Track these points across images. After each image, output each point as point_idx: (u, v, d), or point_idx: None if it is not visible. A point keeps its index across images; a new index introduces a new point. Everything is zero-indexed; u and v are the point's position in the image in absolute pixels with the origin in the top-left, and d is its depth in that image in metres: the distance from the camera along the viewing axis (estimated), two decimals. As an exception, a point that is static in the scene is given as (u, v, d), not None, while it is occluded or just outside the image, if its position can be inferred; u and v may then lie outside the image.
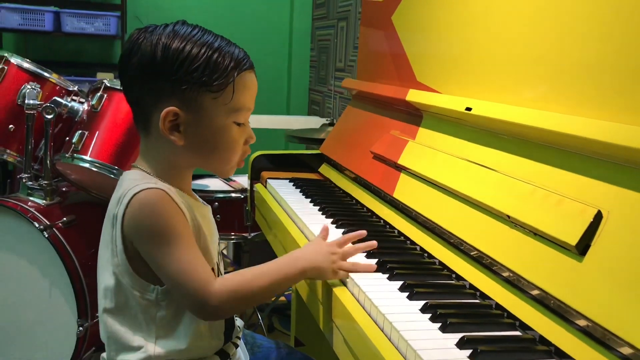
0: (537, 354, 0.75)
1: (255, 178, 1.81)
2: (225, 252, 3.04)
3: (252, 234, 2.19)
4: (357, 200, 1.46)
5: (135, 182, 0.93)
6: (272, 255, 1.12)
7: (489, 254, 0.91)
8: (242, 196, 2.18)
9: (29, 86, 2.01)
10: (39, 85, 2.03)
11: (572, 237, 0.76)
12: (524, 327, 0.82)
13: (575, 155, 0.85)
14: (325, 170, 1.77)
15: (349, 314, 0.88)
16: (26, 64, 2.08)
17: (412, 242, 1.15)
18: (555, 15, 0.97)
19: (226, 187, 2.26)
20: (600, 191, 0.78)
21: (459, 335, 0.77)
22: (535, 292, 0.81)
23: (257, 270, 0.94)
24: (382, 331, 0.82)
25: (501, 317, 0.85)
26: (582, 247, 0.76)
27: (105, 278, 0.95)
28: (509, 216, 0.89)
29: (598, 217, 0.76)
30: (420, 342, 0.75)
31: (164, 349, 0.93)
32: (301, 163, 1.87)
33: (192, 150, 0.96)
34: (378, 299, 0.88)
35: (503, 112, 1.00)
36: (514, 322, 0.83)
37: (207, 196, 2.14)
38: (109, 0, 3.88)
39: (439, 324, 0.81)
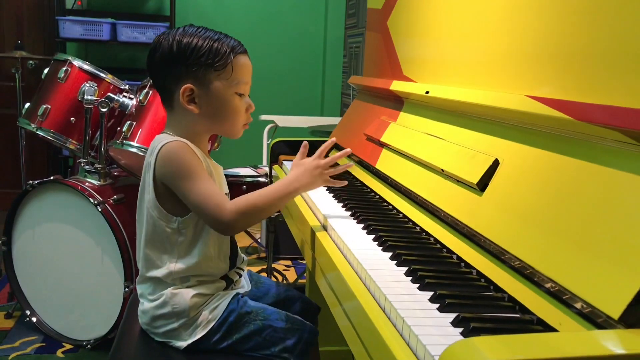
0: (452, 264, 1.02)
1: (274, 162, 2.10)
2: (257, 236, 3.35)
3: (276, 214, 2.48)
4: (354, 176, 1.74)
5: (163, 138, 1.25)
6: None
7: (429, 200, 1.18)
8: (267, 180, 2.48)
9: (87, 85, 2.38)
10: (96, 84, 2.40)
11: (475, 178, 1.02)
12: (444, 248, 1.08)
13: (484, 120, 1.12)
14: (333, 154, 2.05)
15: (328, 255, 1.14)
16: (86, 66, 2.44)
17: (387, 202, 1.42)
18: (486, 26, 1.24)
19: (253, 173, 2.58)
20: (500, 144, 1.04)
21: (393, 251, 1.04)
22: (449, 220, 1.07)
23: (260, 192, 1.22)
24: (351, 266, 1.08)
25: (429, 241, 1.12)
26: (482, 185, 1.01)
27: (141, 213, 1.26)
28: (442, 170, 1.16)
29: (496, 163, 1.02)
30: (371, 263, 1.02)
31: (182, 266, 1.24)
32: (315, 149, 2.15)
33: (205, 117, 1.27)
34: (350, 240, 1.14)
35: (445, 92, 1.26)
36: (441, 248, 1.09)
37: (236, 180, 2.45)
38: (159, 12, 4.29)
39: (390, 253, 1.08)
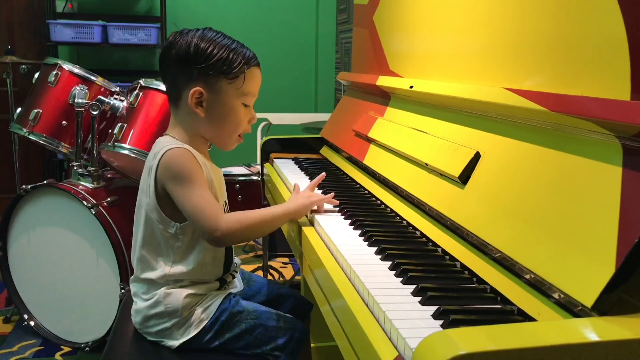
0: (437, 257, 1.03)
1: (265, 160, 2.11)
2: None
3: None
4: (344, 172, 1.75)
5: (167, 143, 1.25)
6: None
7: (414, 194, 1.19)
8: (259, 179, 2.49)
9: (78, 88, 2.38)
10: (86, 87, 2.40)
11: (456, 171, 1.03)
12: (430, 241, 1.09)
13: (466, 113, 1.12)
14: (324, 151, 2.06)
15: (314, 251, 1.15)
16: (76, 69, 2.45)
17: (375, 197, 1.43)
18: (467, 20, 1.24)
19: (247, 171, 2.58)
20: (481, 137, 1.05)
21: (378, 246, 1.05)
22: (434, 213, 1.08)
23: (255, 210, 1.24)
24: (337, 262, 1.10)
25: (415, 235, 1.13)
26: (463, 178, 1.02)
27: (140, 215, 1.27)
28: (426, 164, 1.17)
29: (477, 156, 1.03)
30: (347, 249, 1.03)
31: (176, 271, 1.25)
32: (306, 146, 2.16)
33: (209, 121, 1.28)
34: (336, 236, 1.16)
35: (427, 86, 1.27)
36: (427, 241, 1.10)
37: (230, 179, 2.46)
38: (150, 13, 4.29)
39: (375, 248, 1.09)
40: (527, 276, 0.83)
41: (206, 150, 1.35)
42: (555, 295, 0.76)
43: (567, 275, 0.74)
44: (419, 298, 0.86)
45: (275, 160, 1.99)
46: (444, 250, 1.05)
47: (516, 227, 0.88)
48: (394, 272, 0.95)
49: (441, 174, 1.12)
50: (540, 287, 0.80)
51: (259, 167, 2.67)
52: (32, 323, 2.43)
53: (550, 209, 0.82)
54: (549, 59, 0.97)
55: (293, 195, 1.33)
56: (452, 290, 0.89)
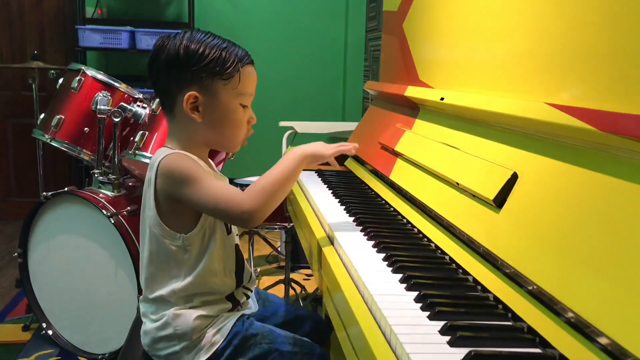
0: (468, 288, 0.93)
1: (288, 171, 2.03)
2: (277, 245, 3.29)
3: (291, 224, 2.41)
4: (369, 186, 1.66)
5: (162, 152, 1.19)
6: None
7: (444, 215, 1.09)
8: (283, 190, 2.41)
9: (101, 94, 2.34)
10: (109, 94, 2.36)
11: (491, 193, 0.93)
12: (460, 268, 0.99)
13: (502, 129, 1.03)
14: (349, 163, 1.98)
15: (333, 273, 1.07)
16: (99, 76, 2.41)
17: (401, 215, 1.34)
18: (504, 28, 1.15)
19: (269, 182, 2.51)
20: (519, 156, 0.95)
21: (403, 273, 0.96)
22: (465, 238, 0.99)
23: (268, 171, 1.17)
24: (357, 288, 1.01)
25: (444, 260, 1.03)
26: (499, 201, 0.93)
27: (144, 232, 1.21)
28: (457, 183, 1.07)
29: (514, 177, 0.93)
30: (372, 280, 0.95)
31: (186, 284, 1.18)
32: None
33: (208, 126, 1.21)
34: (357, 259, 1.07)
35: (461, 98, 1.18)
36: (457, 268, 1.01)
37: (252, 190, 2.39)
38: (178, 19, 4.27)
39: (400, 275, 1.00)
40: (569, 315, 0.73)
41: (207, 158, 1.29)
42: (601, 341, 0.67)
43: (617, 319, 0.64)
44: (448, 337, 0.76)
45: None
46: (475, 280, 0.95)
47: (557, 260, 0.78)
48: (420, 304, 0.86)
49: (474, 195, 1.02)
50: (583, 329, 0.70)
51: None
52: (50, 332, 2.39)
53: (597, 241, 0.73)
54: (595, 71, 0.87)
55: (310, 143, 1.25)
56: (486, 329, 0.79)
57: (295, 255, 3.19)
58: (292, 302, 2.63)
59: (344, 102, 4.52)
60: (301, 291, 2.86)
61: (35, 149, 3.81)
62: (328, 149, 1.24)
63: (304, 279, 3.18)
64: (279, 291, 2.85)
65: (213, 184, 1.14)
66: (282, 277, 2.70)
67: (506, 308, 0.85)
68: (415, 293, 0.90)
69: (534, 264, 0.82)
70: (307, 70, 4.44)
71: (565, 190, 0.84)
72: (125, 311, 2.20)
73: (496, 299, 0.88)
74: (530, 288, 0.83)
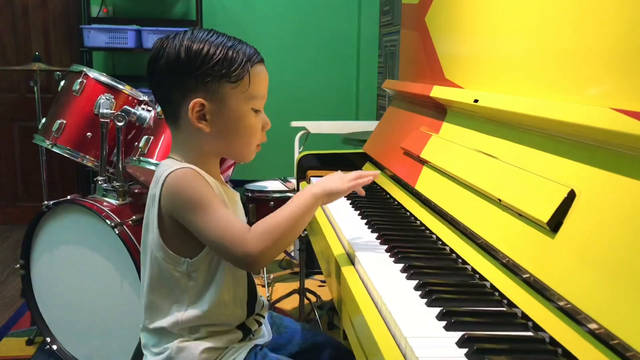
0: (518, 326, 0.80)
1: (302, 177, 1.91)
2: (290, 250, 3.16)
3: (305, 232, 2.28)
4: (391, 195, 1.52)
5: (169, 166, 1.05)
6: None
7: (483, 236, 0.95)
8: (296, 196, 2.28)
9: (103, 97, 2.22)
10: (112, 96, 2.23)
11: (545, 215, 0.79)
12: (505, 299, 0.86)
13: (553, 138, 0.89)
14: (367, 168, 1.84)
15: (353, 297, 0.94)
16: (102, 77, 2.29)
17: (429, 230, 1.20)
18: (553, 22, 1.01)
19: (282, 187, 2.38)
20: (575, 170, 0.81)
21: (441, 307, 0.83)
22: (509, 262, 0.85)
23: (278, 210, 1.04)
24: (383, 319, 0.88)
25: (493, 295, 0.90)
26: (554, 224, 0.79)
27: (145, 254, 1.08)
28: (500, 199, 0.93)
29: (571, 195, 0.79)
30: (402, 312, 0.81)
31: (191, 315, 1.05)
32: (347, 162, 1.95)
33: (217, 136, 1.07)
34: (382, 284, 0.94)
35: (501, 101, 1.04)
36: (501, 299, 0.87)
37: (264, 196, 2.26)
38: (185, 17, 4.14)
39: (436, 309, 0.87)
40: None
41: (217, 171, 1.15)
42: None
43: None
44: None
45: (312, 179, 1.78)
46: (524, 314, 0.82)
47: (624, 294, 0.65)
48: (464, 350, 0.73)
49: (520, 214, 0.88)
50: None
51: (294, 182, 2.47)
52: (54, 347, 2.28)
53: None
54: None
55: (326, 177, 1.12)
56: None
57: (309, 260, 3.06)
58: (307, 313, 2.50)
59: (358, 100, 4.38)
60: (316, 300, 2.73)
61: (37, 153, 3.72)
62: (344, 184, 1.10)
63: (319, 286, 3.04)
64: (293, 301, 2.73)
65: (220, 214, 1.00)
66: (296, 285, 2.57)
67: (566, 352, 0.71)
68: (457, 334, 0.76)
69: (596, 298, 0.69)
70: (318, 67, 4.30)
71: (634, 211, 0.70)
72: (131, 326, 2.09)
73: (553, 341, 0.74)
74: (592, 328, 0.69)
